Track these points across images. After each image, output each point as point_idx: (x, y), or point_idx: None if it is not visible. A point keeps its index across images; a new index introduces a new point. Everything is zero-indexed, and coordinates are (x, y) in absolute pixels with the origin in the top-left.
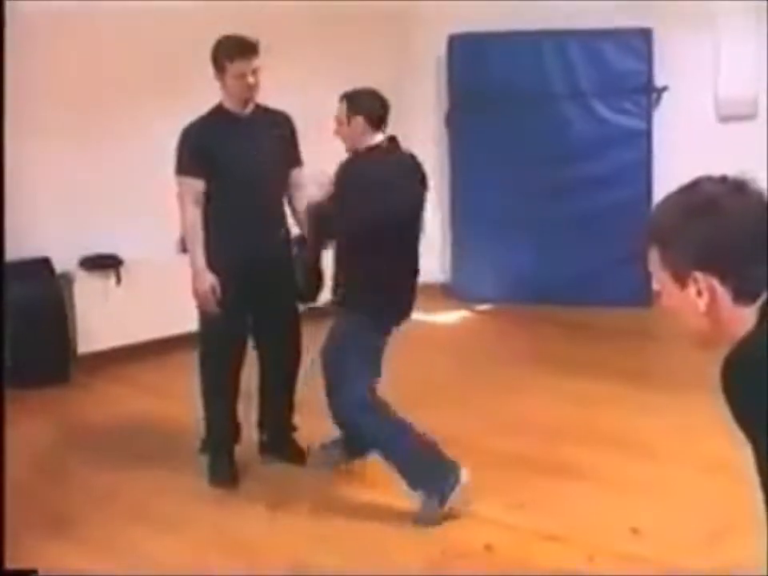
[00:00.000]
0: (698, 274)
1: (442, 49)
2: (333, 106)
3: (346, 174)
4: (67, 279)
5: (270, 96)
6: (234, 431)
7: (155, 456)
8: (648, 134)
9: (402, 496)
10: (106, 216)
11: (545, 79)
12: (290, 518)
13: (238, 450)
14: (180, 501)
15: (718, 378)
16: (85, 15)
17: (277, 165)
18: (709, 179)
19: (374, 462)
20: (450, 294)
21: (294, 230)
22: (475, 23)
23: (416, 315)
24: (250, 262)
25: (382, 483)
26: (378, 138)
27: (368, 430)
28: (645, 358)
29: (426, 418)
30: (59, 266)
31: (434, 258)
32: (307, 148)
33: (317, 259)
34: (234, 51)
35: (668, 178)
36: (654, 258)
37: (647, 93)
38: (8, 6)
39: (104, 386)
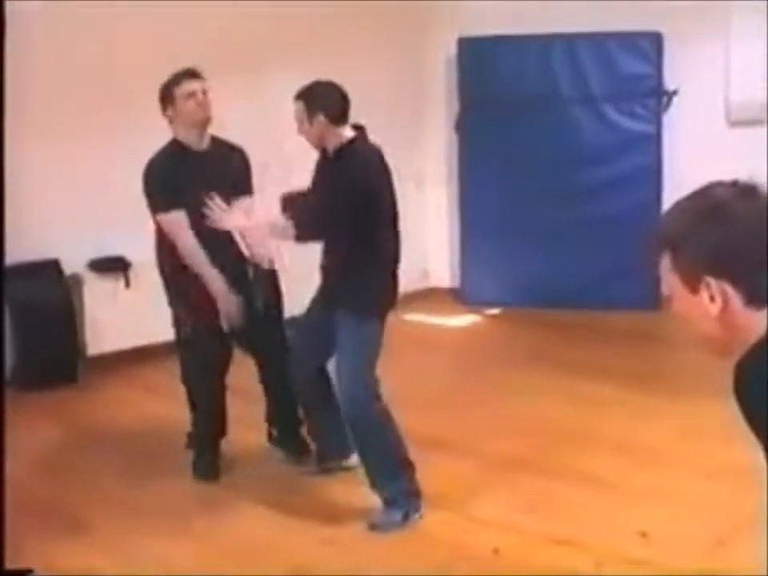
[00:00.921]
0: (710, 279)
1: (451, 52)
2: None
3: (355, 174)
4: (76, 281)
5: (280, 97)
6: (219, 428)
7: (163, 457)
8: (658, 138)
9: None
10: (114, 218)
11: (554, 83)
12: (296, 520)
13: (244, 452)
14: (189, 503)
15: (727, 382)
16: (95, 15)
17: (231, 196)
18: (720, 184)
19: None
20: (459, 298)
21: None
22: (485, 27)
23: (425, 319)
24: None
25: None
26: (347, 132)
27: (370, 421)
28: (654, 363)
29: (434, 420)
30: (68, 268)
31: (443, 262)
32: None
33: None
34: (180, 76)
35: (678, 182)
36: (665, 263)
37: (657, 96)
38: (8, 6)
39: (112, 387)
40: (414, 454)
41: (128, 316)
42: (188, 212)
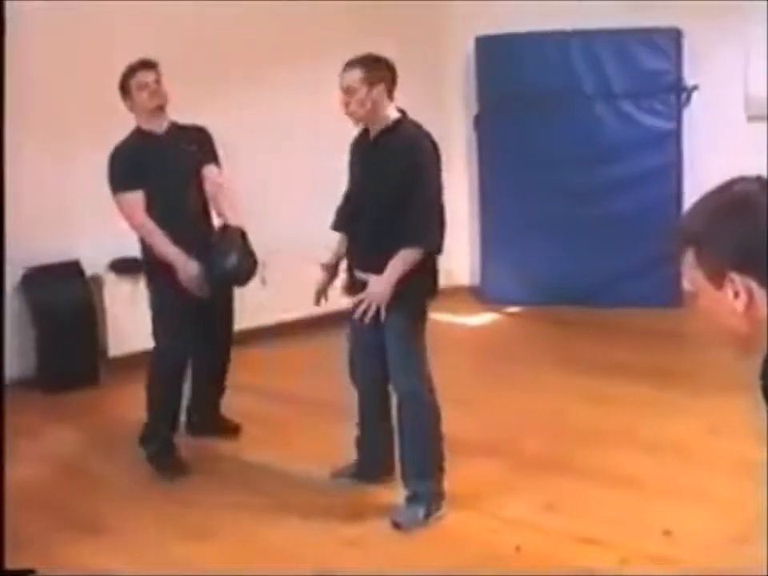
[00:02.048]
0: (735, 275)
1: (470, 51)
2: None
3: (428, 150)
4: (97, 282)
5: (292, 97)
6: (175, 424)
7: (184, 456)
8: (677, 134)
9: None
10: None
11: (574, 80)
12: (320, 521)
13: (263, 454)
14: (209, 504)
15: (752, 378)
16: (96, 14)
17: (194, 175)
18: (743, 179)
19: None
20: (479, 296)
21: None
22: (503, 25)
23: (446, 317)
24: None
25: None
26: (394, 111)
27: (422, 414)
28: (676, 360)
29: (455, 419)
30: (89, 269)
31: (463, 260)
32: (338, 147)
33: (244, 238)
34: (134, 67)
35: (698, 178)
36: (688, 259)
37: (677, 93)
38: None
39: (134, 388)
40: None
41: (148, 317)
42: (152, 192)
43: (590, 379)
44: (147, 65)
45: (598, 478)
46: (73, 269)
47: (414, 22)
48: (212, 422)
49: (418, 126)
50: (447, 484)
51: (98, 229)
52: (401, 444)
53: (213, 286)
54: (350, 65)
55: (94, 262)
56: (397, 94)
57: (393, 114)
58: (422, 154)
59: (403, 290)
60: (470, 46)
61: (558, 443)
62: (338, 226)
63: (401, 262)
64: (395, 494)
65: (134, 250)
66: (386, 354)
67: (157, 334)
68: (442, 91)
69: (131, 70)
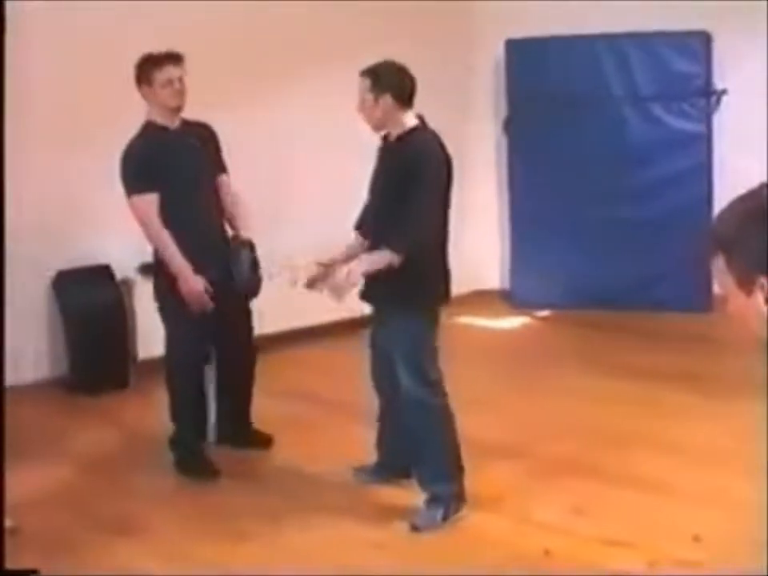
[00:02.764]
0: (765, 280)
1: (499, 54)
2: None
3: (431, 160)
4: (127, 285)
5: (321, 99)
6: (201, 428)
7: (214, 460)
8: (708, 138)
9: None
10: None
11: (603, 83)
12: (346, 523)
13: (293, 456)
14: (240, 506)
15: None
16: (100, 13)
17: (208, 173)
18: None
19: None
20: (508, 300)
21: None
22: (532, 28)
23: (475, 321)
24: (200, 267)
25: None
26: (411, 118)
27: (423, 405)
28: (705, 364)
29: (484, 422)
30: (119, 273)
31: (493, 264)
32: (355, 152)
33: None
34: (161, 58)
35: (727, 181)
36: (718, 264)
37: (706, 96)
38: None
39: (163, 392)
40: (465, 456)
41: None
42: (165, 189)
43: (619, 383)
44: (175, 59)
45: (626, 481)
46: (103, 272)
47: (444, 24)
48: (243, 434)
49: (434, 135)
50: (474, 486)
51: (128, 232)
52: (413, 449)
53: (224, 295)
54: (362, 74)
55: (124, 266)
56: (427, 97)
57: (410, 121)
58: (426, 163)
59: (413, 294)
60: (500, 48)
61: (585, 446)
62: (356, 225)
63: (375, 257)
64: (417, 493)
65: None
66: (395, 358)
67: (167, 341)
68: (472, 94)
69: (156, 62)
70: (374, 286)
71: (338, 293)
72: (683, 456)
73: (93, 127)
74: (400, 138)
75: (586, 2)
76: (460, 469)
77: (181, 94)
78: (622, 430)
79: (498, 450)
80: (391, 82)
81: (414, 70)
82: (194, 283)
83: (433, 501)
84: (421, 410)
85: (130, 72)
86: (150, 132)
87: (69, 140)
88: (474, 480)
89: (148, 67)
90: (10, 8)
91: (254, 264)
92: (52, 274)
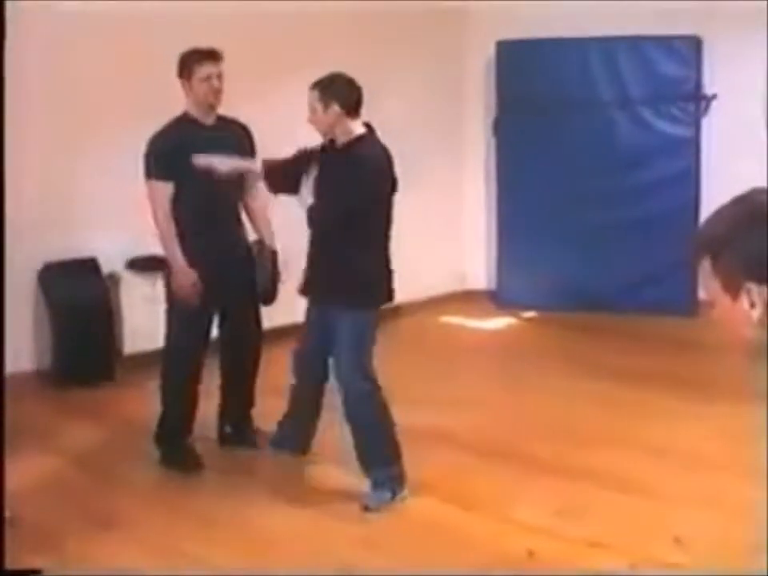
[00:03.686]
0: (751, 285)
1: (490, 56)
2: (383, 110)
3: (360, 171)
4: (114, 280)
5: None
6: (188, 425)
7: (200, 455)
8: (696, 142)
9: (442, 503)
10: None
11: (592, 86)
12: (335, 520)
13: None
14: (226, 500)
15: (764, 387)
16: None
17: (235, 175)
18: (760, 190)
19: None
20: (495, 300)
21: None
22: (523, 30)
23: (461, 321)
24: (215, 263)
25: (427, 488)
26: (358, 126)
27: (371, 408)
28: (691, 366)
29: (469, 422)
30: (106, 267)
31: (480, 264)
32: None
33: (275, 261)
34: (202, 55)
35: (716, 185)
36: (704, 269)
37: (695, 100)
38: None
39: (149, 386)
40: (449, 455)
41: (164, 315)
42: (187, 183)
43: (603, 385)
44: (215, 56)
45: (609, 483)
46: (90, 266)
47: (435, 26)
48: (244, 434)
49: (379, 143)
50: (458, 487)
51: (116, 227)
52: (357, 438)
53: (231, 296)
54: (312, 86)
55: (111, 260)
56: (418, 98)
57: (357, 129)
58: (366, 170)
59: (358, 293)
60: (491, 50)
61: (570, 448)
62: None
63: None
64: (413, 496)
65: (151, 248)
66: (334, 353)
67: (167, 334)
68: (462, 95)
69: (196, 57)
70: (319, 284)
71: None
72: (667, 458)
73: (83, 122)
74: (347, 145)
75: (577, 5)
76: (398, 453)
77: (217, 91)
78: (606, 432)
79: (482, 451)
80: (338, 93)
81: (406, 72)
82: (184, 276)
83: (379, 484)
84: (364, 403)
85: (125, 69)
86: (182, 123)
87: (59, 133)
88: (457, 480)
89: (189, 62)
90: (9, 7)
91: (275, 274)
92: (38, 266)
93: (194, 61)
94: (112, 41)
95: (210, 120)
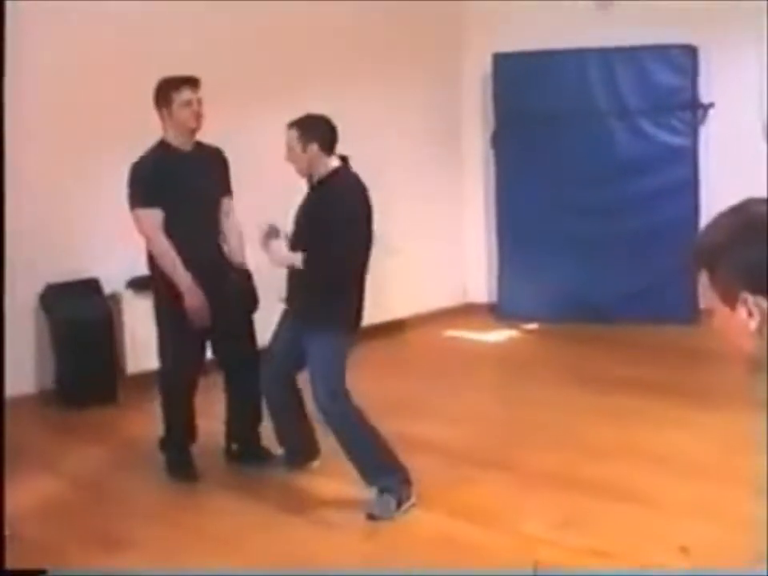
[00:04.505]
0: (748, 295)
1: (487, 68)
2: (381, 125)
3: (335, 203)
4: (116, 300)
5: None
6: (190, 433)
7: (203, 474)
8: (694, 152)
9: (447, 516)
10: None
11: (590, 97)
12: (342, 534)
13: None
14: (230, 520)
15: (765, 397)
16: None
17: (215, 196)
18: (757, 200)
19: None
20: (496, 313)
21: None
22: (520, 42)
23: (464, 334)
24: (204, 285)
25: (431, 501)
26: (334, 162)
27: (349, 422)
28: (692, 377)
29: (472, 435)
30: (108, 287)
31: (481, 277)
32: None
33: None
34: (180, 81)
35: (714, 195)
36: (702, 279)
37: (693, 110)
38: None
39: (152, 405)
40: (453, 469)
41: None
42: (173, 210)
43: (606, 395)
44: (192, 83)
45: (612, 493)
46: (92, 286)
47: (432, 38)
48: (251, 451)
49: (353, 176)
50: (462, 499)
51: (117, 247)
52: (349, 455)
53: (217, 316)
54: (290, 126)
55: (113, 280)
56: (416, 111)
57: (332, 164)
58: (337, 203)
59: (335, 317)
60: (488, 63)
61: (573, 459)
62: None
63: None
64: (418, 509)
65: None
66: (309, 376)
67: (162, 353)
68: (460, 108)
69: (175, 84)
70: (302, 301)
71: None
72: (670, 468)
73: (83, 143)
74: (321, 182)
75: (573, 16)
76: (393, 456)
77: (198, 115)
78: (610, 442)
79: (486, 463)
80: (316, 132)
81: (404, 85)
82: (198, 298)
83: (383, 491)
84: (342, 421)
85: (130, 89)
86: (162, 150)
87: (61, 154)
88: (462, 492)
89: (167, 89)
90: (10, 7)
91: (250, 292)
92: (40, 287)
93: (171, 87)
94: (112, 65)
95: (188, 146)
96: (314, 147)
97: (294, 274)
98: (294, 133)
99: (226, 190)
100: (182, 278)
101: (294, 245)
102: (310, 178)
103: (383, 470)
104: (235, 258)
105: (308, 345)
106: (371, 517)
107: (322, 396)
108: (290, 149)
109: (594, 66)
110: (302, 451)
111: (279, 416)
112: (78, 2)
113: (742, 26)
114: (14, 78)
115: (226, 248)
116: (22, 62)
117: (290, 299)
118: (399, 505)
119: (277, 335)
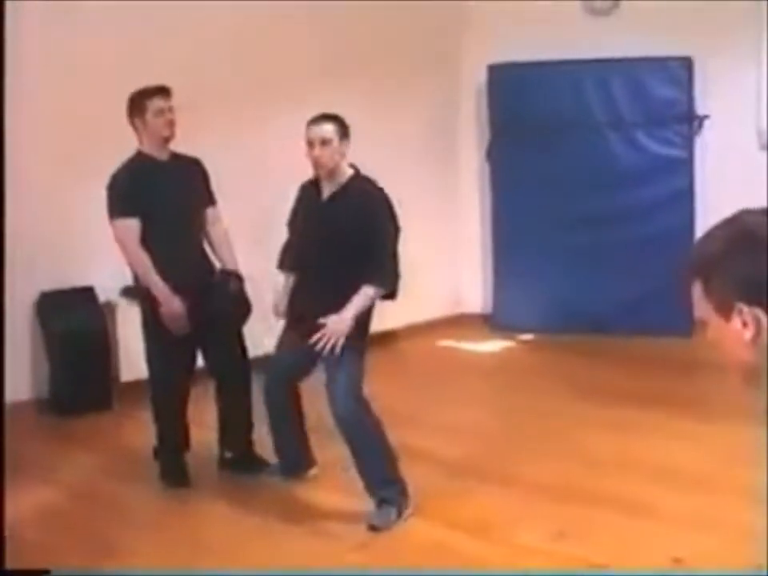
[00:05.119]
0: (743, 306)
1: (482, 79)
2: (374, 134)
3: (384, 203)
4: (110, 308)
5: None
6: (183, 441)
7: (197, 482)
8: (690, 163)
9: (443, 526)
10: None
11: (585, 108)
12: (337, 544)
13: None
14: (225, 528)
15: (762, 408)
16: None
17: (195, 206)
18: (751, 211)
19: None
20: (491, 323)
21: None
22: (515, 53)
23: (459, 344)
24: (187, 295)
25: (427, 512)
26: (346, 166)
27: (364, 426)
28: (687, 388)
29: (467, 446)
30: (102, 295)
31: (475, 288)
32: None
33: (241, 284)
34: (151, 91)
35: (710, 206)
36: (697, 291)
37: (688, 121)
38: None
39: (146, 413)
40: (448, 479)
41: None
42: (151, 220)
43: (601, 406)
44: (164, 92)
45: (610, 504)
46: (86, 294)
47: (428, 49)
48: (244, 460)
49: (370, 181)
50: (457, 510)
51: (112, 255)
52: (358, 459)
53: (207, 324)
54: (322, 119)
55: (108, 288)
56: (411, 122)
57: (348, 169)
58: (380, 206)
59: (365, 326)
60: (483, 74)
61: (569, 469)
62: (284, 265)
63: (362, 299)
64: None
65: None
66: (327, 381)
67: (149, 362)
68: (455, 119)
69: (147, 94)
70: (316, 314)
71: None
72: (665, 479)
73: (78, 151)
74: (343, 188)
75: (569, 28)
76: (398, 470)
77: (171, 123)
78: (605, 454)
79: (481, 473)
80: (347, 131)
81: (399, 97)
82: (174, 305)
83: (384, 502)
84: (361, 427)
85: (121, 101)
86: (138, 161)
87: (56, 162)
88: (457, 505)
89: (139, 100)
90: (10, 8)
91: (241, 295)
92: (35, 295)
93: (144, 98)
94: (112, 70)
95: (164, 156)
96: (346, 145)
97: (311, 285)
98: (331, 126)
99: (209, 200)
100: (157, 285)
101: (306, 255)
102: (315, 182)
103: (387, 480)
104: (227, 266)
105: (326, 354)
106: (372, 528)
107: (346, 402)
108: (324, 142)
109: (589, 78)
110: (299, 460)
111: (279, 423)
112: (78, 2)
113: (738, 38)
114: (11, 83)
115: (216, 256)
116: (22, 67)
117: (307, 309)
118: (399, 514)
119: (282, 342)
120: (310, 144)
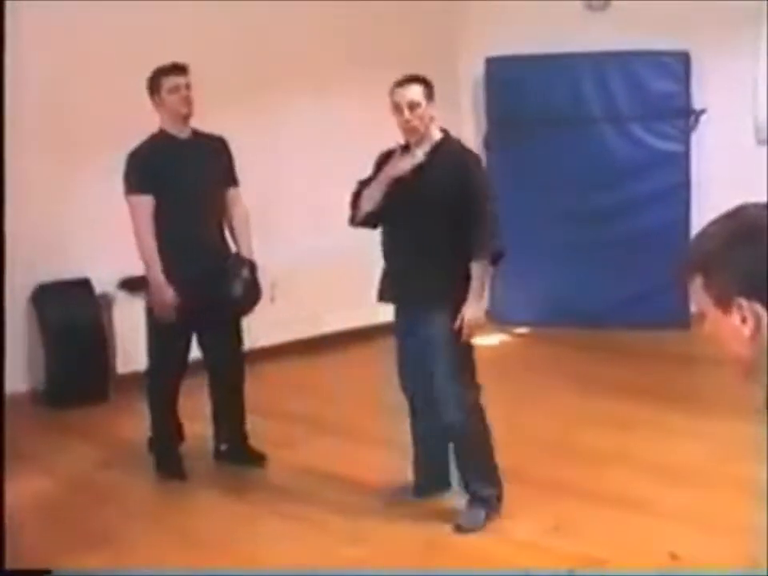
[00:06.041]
0: (742, 301)
1: (479, 72)
2: (371, 127)
3: (479, 164)
4: (107, 300)
5: (297, 121)
6: (177, 432)
7: (193, 473)
8: (686, 157)
9: (440, 521)
10: None
11: (582, 102)
12: (332, 539)
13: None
14: (220, 519)
15: (759, 403)
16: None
17: (215, 185)
18: (751, 205)
19: None
20: (488, 317)
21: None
22: (513, 47)
23: None
24: (195, 279)
25: (423, 506)
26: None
27: (479, 411)
28: (684, 382)
29: None
30: (99, 287)
31: None
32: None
33: (253, 271)
34: (167, 68)
35: (706, 200)
36: (696, 284)
37: (685, 116)
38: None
39: (142, 405)
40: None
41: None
42: (169, 198)
43: (597, 401)
44: (180, 69)
45: (604, 499)
46: (83, 286)
47: (425, 42)
48: (239, 451)
49: (462, 144)
50: (453, 505)
51: (109, 247)
52: (458, 450)
53: (210, 310)
54: (409, 81)
55: (104, 280)
56: None
57: (437, 132)
58: (477, 168)
59: (451, 295)
60: (480, 67)
61: (565, 465)
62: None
63: (479, 279)
64: (410, 506)
65: (143, 269)
66: (429, 363)
67: (150, 352)
68: (452, 112)
69: (163, 71)
70: (415, 288)
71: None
72: (661, 474)
73: (76, 144)
74: (438, 149)
75: (566, 21)
76: (498, 476)
77: (187, 100)
78: (600, 448)
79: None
80: (432, 93)
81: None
82: (163, 293)
83: (476, 501)
84: (471, 412)
85: (127, 92)
86: (158, 138)
87: (54, 153)
88: (452, 498)
89: (156, 77)
90: (10, 8)
91: (253, 283)
92: (32, 287)
93: (160, 75)
94: (110, 67)
95: (185, 134)
96: (433, 106)
97: (405, 260)
98: (419, 88)
99: (231, 179)
100: (154, 271)
101: (400, 223)
102: (406, 147)
103: (485, 478)
104: (242, 251)
105: (425, 329)
106: (459, 528)
107: (464, 391)
108: (412, 105)
109: (586, 72)
110: (436, 479)
111: (416, 432)
112: (79, 2)
113: (735, 32)
114: (11, 81)
115: (233, 239)
116: (21, 64)
117: (401, 290)
118: (487, 516)
119: (401, 332)
120: (398, 108)
